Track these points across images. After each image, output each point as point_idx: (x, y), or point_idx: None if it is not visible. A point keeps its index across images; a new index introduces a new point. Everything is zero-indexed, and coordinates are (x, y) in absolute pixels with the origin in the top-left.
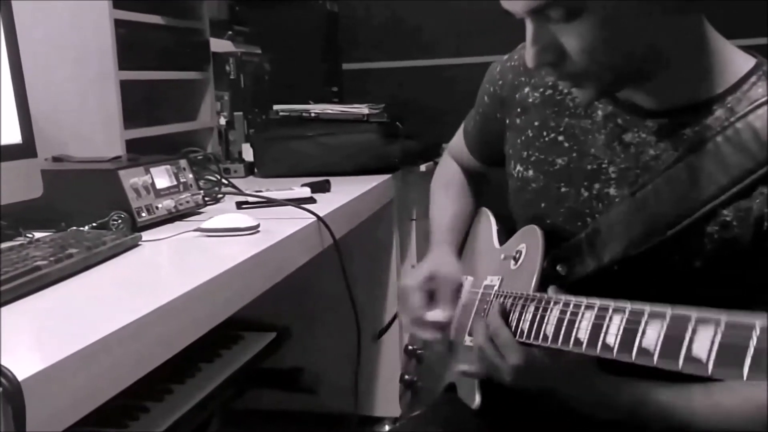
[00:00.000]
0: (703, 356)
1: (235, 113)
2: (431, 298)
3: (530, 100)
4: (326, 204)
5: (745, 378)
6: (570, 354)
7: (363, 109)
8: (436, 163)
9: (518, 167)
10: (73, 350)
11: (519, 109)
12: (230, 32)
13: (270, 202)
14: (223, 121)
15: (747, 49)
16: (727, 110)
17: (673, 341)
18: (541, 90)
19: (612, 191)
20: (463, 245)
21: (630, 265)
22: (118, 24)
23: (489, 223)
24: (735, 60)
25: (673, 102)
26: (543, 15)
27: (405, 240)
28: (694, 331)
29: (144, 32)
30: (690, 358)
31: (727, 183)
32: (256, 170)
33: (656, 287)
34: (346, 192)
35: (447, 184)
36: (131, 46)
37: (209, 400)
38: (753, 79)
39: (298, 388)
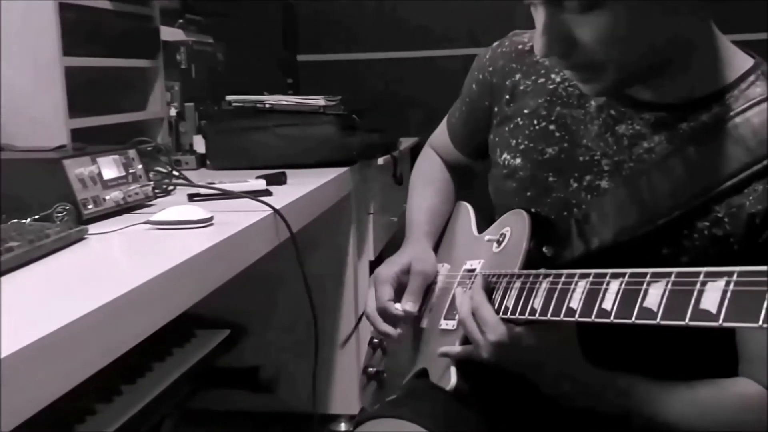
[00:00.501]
0: (713, 308)
1: (186, 104)
2: (401, 290)
3: (521, 87)
4: (283, 197)
5: (761, 322)
6: (552, 335)
7: (319, 101)
8: (393, 157)
9: (505, 155)
10: (11, 351)
11: (509, 96)
12: (181, 21)
13: (224, 194)
14: (173, 111)
15: (745, 48)
16: (725, 107)
17: (679, 296)
18: (533, 78)
19: (604, 184)
20: (440, 239)
21: (618, 254)
22: (64, 8)
23: (467, 214)
24: (734, 58)
25: (672, 97)
26: (559, 4)
27: (362, 234)
28: (703, 284)
29: (91, 17)
30: (699, 311)
31: (722, 178)
32: (208, 162)
33: None
34: (302, 184)
35: (427, 176)
36: (77, 31)
37: (161, 400)
38: (752, 78)
39: (255, 387)
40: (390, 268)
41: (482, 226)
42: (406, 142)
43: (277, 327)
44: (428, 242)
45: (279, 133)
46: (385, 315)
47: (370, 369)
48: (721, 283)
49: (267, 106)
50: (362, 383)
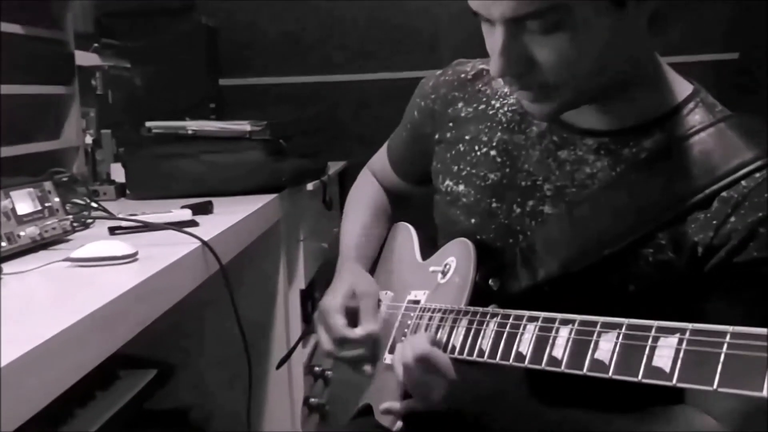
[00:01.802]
0: (667, 366)
1: (103, 131)
2: (352, 316)
3: (463, 114)
4: (210, 227)
5: (715, 386)
6: (505, 374)
7: (245, 126)
8: (323, 182)
9: (447, 181)
10: None
11: (451, 123)
12: (97, 45)
13: (148, 227)
14: (89, 139)
15: (683, 74)
16: (666, 134)
17: (631, 351)
18: (475, 105)
19: (546, 209)
20: (375, 263)
21: (565, 284)
22: None
23: (409, 237)
24: (675, 85)
25: (615, 123)
26: (521, 25)
27: (292, 262)
28: (655, 339)
29: (1, 42)
30: (651, 368)
31: (664, 206)
32: (128, 192)
33: (590, 309)
34: (230, 213)
35: (362, 200)
36: None
37: None
38: (691, 105)
39: (186, 429)
40: (334, 297)
41: (425, 251)
42: (334, 167)
43: (208, 362)
44: (363, 265)
45: (204, 160)
46: (345, 342)
47: (312, 400)
48: (673, 340)
49: (190, 132)
50: (304, 414)
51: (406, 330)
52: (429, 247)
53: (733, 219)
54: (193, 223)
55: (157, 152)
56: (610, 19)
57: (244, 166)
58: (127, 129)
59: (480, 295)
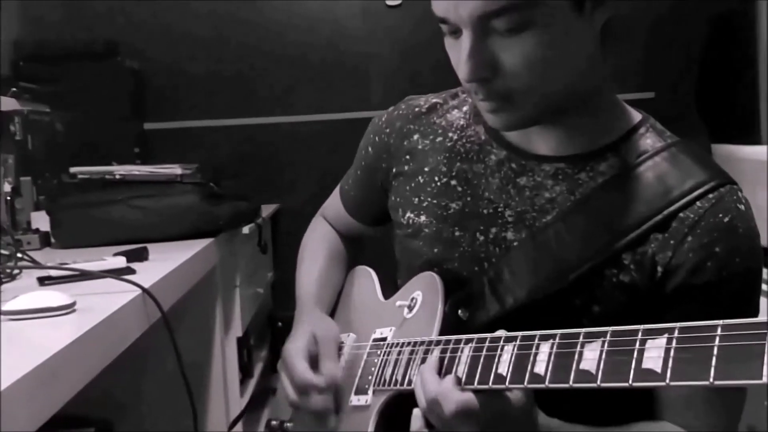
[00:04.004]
0: (657, 366)
1: (22, 178)
2: (315, 362)
3: (420, 146)
4: (148, 274)
5: (711, 380)
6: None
7: (175, 170)
8: (258, 225)
9: (408, 214)
10: None
11: (408, 156)
12: (14, 89)
13: (83, 275)
14: (8, 187)
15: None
16: (620, 158)
17: (619, 356)
18: (431, 137)
19: (509, 235)
20: (334, 308)
21: (532, 310)
22: None
23: (370, 279)
24: (626, 111)
25: (569, 148)
26: (488, 25)
27: (229, 309)
28: (643, 343)
29: None
30: (642, 371)
31: (625, 228)
32: (53, 241)
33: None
34: (166, 260)
35: (317, 247)
36: None
37: None
38: (642, 130)
39: None
40: (295, 342)
41: (387, 290)
42: (266, 210)
43: (148, 417)
44: (322, 310)
45: (134, 205)
46: (307, 390)
47: None
48: (662, 341)
49: (117, 177)
50: None
51: (373, 368)
52: (390, 288)
53: (690, 239)
54: (129, 271)
55: (85, 199)
56: (570, 21)
57: (179, 210)
58: (48, 176)
59: (450, 326)
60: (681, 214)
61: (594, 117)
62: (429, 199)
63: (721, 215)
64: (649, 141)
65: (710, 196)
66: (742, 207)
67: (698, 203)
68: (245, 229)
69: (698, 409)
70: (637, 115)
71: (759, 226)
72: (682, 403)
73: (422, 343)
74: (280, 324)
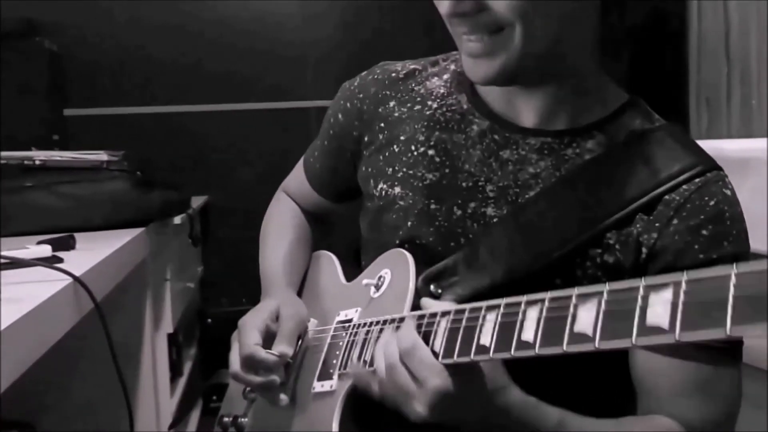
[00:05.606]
0: (664, 323)
1: None
2: (270, 340)
3: (396, 114)
4: (77, 263)
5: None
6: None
7: (101, 156)
8: (190, 216)
9: (381, 185)
10: None
11: (383, 124)
12: None
13: (12, 264)
14: None
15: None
16: (607, 137)
17: (619, 315)
18: (409, 105)
19: (489, 211)
20: (300, 292)
21: (510, 289)
22: None
23: (331, 263)
24: (613, 90)
25: (557, 122)
26: None
27: (159, 303)
28: (645, 299)
29: None
30: (647, 328)
31: (611, 208)
32: None
33: None
34: (95, 249)
35: (282, 223)
36: None
37: None
38: (630, 110)
39: None
40: (257, 314)
41: (350, 275)
42: (195, 201)
43: (75, 418)
44: (291, 290)
45: (58, 192)
46: (252, 364)
47: None
48: (668, 294)
49: (37, 162)
50: None
51: (337, 352)
52: (352, 272)
53: (675, 221)
54: (56, 259)
55: (2, 185)
56: None
57: (106, 197)
58: None
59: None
60: (666, 197)
61: (582, 93)
62: (404, 170)
63: (707, 198)
64: (637, 122)
65: (696, 180)
66: (728, 192)
67: (684, 186)
68: (177, 219)
69: (693, 399)
70: (624, 96)
71: None
72: (678, 391)
73: (393, 321)
74: (209, 320)
